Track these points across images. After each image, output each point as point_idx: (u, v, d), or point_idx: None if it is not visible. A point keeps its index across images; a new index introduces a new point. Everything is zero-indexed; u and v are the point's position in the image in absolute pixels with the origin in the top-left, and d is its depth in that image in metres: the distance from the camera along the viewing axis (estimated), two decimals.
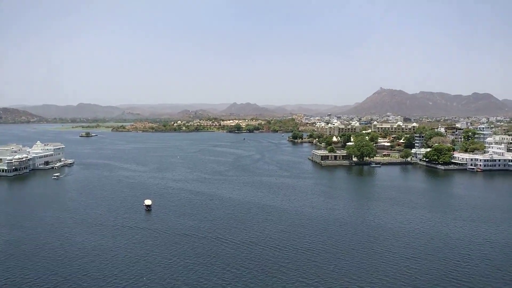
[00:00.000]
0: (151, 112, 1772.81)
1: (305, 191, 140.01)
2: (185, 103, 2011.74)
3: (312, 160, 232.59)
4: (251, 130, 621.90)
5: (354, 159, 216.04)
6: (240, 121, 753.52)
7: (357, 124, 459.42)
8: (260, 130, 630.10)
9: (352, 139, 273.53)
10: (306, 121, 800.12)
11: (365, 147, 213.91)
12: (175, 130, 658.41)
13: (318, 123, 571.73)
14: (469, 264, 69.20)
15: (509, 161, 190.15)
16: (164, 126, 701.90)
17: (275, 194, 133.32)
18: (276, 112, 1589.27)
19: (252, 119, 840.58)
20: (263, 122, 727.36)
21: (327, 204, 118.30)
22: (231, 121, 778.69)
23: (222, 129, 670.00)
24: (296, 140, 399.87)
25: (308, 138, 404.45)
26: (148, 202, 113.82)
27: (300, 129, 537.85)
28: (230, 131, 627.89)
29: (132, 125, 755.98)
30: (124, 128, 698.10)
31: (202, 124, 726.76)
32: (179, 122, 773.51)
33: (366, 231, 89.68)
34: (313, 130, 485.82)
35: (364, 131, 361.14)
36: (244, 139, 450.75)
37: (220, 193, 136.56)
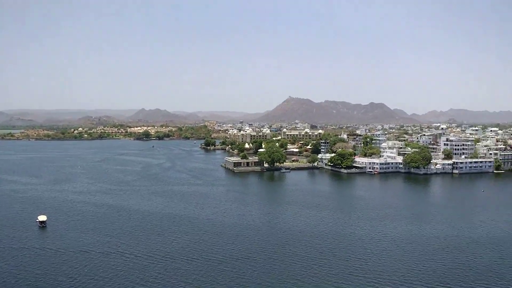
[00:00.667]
0: (47, 119, 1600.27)
1: (218, 198, 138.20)
2: (88, 109, 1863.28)
3: (225, 167, 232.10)
4: (160, 137, 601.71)
5: (266, 165, 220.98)
6: (149, 128, 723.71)
7: (268, 131, 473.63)
8: (171, 137, 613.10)
9: (263, 146, 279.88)
10: (219, 128, 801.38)
11: (275, 153, 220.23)
12: (75, 138, 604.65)
13: (231, 130, 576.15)
14: (371, 259, 74.14)
15: (399, 164, 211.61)
16: (63, 133, 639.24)
17: (187, 203, 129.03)
18: (188, 119, 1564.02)
19: (162, 126, 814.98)
20: (174, 129, 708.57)
21: (240, 211, 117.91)
22: (139, 128, 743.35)
23: (129, 137, 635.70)
24: (208, 147, 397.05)
25: (221, 145, 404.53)
26: (42, 218, 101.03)
27: (212, 136, 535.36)
28: (138, 139, 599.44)
29: (23, 132, 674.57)
30: (12, 135, 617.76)
31: (106, 131, 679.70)
32: (80, 129, 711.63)
33: (278, 235, 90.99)
34: (226, 137, 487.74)
35: (274, 138, 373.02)
36: (153, 146, 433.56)
37: (128, 204, 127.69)
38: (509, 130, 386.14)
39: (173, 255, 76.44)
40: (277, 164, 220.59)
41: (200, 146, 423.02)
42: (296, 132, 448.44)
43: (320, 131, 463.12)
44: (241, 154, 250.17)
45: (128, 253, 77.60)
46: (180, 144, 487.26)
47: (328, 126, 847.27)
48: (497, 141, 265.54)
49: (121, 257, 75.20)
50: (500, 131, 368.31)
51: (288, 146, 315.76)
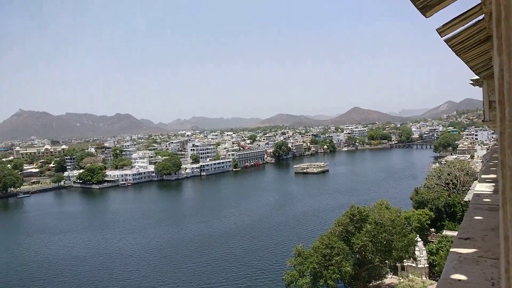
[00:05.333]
0: None
1: None
2: None
3: None
4: None
5: None
6: None
7: None
8: None
9: None
10: None
11: (8, 176, 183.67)
12: None
13: None
14: (135, 270, 73.73)
15: (152, 172, 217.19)
16: None
17: None
18: None
19: None
20: None
21: None
22: None
23: None
24: None
25: None
26: None
27: None
28: None
29: None
30: None
31: None
32: None
33: (25, 271, 76.16)
34: None
35: (4, 159, 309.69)
36: None
37: None
38: (241, 134, 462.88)
39: None
40: (12, 189, 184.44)
41: None
42: (33, 150, 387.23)
43: (64, 146, 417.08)
44: None
45: None
46: None
47: (72, 141, 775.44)
48: (233, 143, 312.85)
49: None
50: (234, 135, 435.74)
51: (24, 167, 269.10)
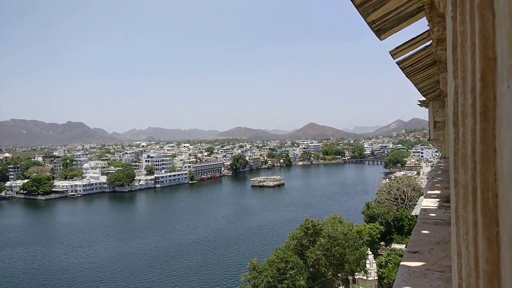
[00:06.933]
0: None
1: None
2: None
3: None
4: None
5: None
6: None
7: None
8: None
9: None
10: None
11: None
12: None
13: None
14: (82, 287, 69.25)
15: (104, 183, 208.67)
16: None
17: None
18: None
19: None
20: None
21: None
22: None
23: None
24: None
25: None
26: None
27: None
28: None
29: None
30: None
31: None
32: None
33: None
34: None
35: None
36: None
37: None
38: (198, 146, 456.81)
39: None
40: None
41: None
42: None
43: (7, 154, 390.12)
44: None
45: None
46: None
47: (17, 148, 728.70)
48: (189, 155, 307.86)
49: None
50: (191, 146, 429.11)
51: None
